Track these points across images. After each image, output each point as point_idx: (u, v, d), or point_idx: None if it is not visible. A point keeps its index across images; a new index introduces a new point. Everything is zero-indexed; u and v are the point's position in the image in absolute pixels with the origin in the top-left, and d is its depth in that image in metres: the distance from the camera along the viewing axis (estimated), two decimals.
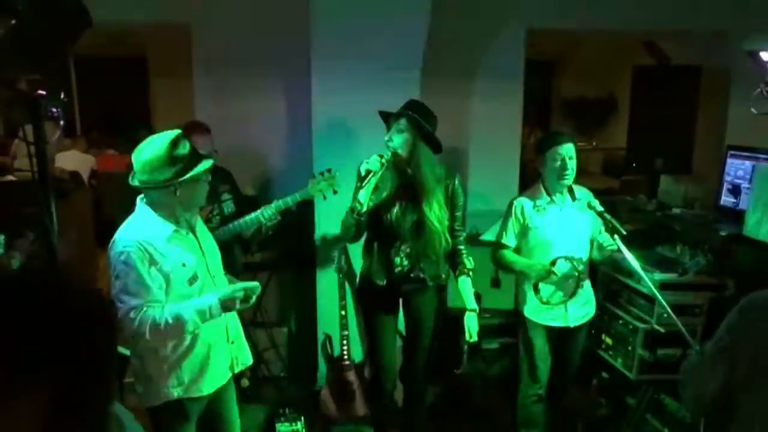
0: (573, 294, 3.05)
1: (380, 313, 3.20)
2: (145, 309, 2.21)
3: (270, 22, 4.08)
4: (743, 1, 4.25)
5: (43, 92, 1.89)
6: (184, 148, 2.28)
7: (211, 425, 2.57)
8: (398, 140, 2.90)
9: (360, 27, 3.59)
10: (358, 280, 3.32)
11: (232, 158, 3.82)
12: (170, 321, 2.20)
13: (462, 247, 3.14)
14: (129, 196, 3.72)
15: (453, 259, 3.15)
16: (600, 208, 2.94)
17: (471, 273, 3.12)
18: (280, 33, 4.05)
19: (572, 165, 3.00)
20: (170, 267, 2.27)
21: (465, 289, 3.12)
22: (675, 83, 4.78)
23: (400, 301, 3.21)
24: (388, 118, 2.98)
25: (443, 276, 3.13)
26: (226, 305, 2.28)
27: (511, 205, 3.18)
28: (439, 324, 3.26)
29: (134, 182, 2.31)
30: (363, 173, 2.86)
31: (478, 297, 4.18)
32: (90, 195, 7.12)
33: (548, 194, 3.09)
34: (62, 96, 1.90)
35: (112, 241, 2.30)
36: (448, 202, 3.03)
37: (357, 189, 2.90)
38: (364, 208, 2.88)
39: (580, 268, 3.02)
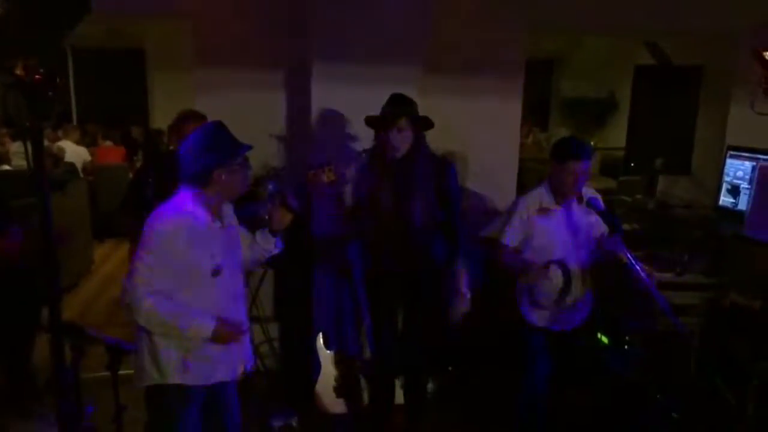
0: (564, 299, 3.02)
1: (380, 304, 3.26)
2: (153, 294, 2.25)
3: (270, 14, 4.04)
4: (745, 2, 4.24)
5: (39, 77, 1.86)
6: (227, 134, 2.35)
7: (212, 410, 2.58)
8: (399, 140, 2.94)
9: (360, 22, 3.57)
10: (364, 270, 3.33)
11: None
12: (167, 319, 2.26)
13: (459, 242, 3.13)
14: (126, 188, 3.71)
15: (451, 253, 3.14)
16: (600, 207, 2.93)
17: (467, 268, 3.13)
18: (280, 25, 4.02)
19: (585, 179, 2.96)
20: (200, 255, 2.31)
21: (458, 277, 3.14)
22: (676, 83, 4.76)
23: (401, 293, 3.24)
24: (376, 121, 3.01)
25: (438, 269, 3.12)
26: (218, 333, 2.33)
27: (515, 204, 3.16)
28: (438, 316, 3.25)
29: (183, 172, 2.35)
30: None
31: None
32: (86, 187, 7.10)
33: (555, 197, 3.05)
34: (59, 81, 1.88)
35: (153, 214, 2.31)
36: (442, 197, 3.04)
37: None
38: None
39: (576, 273, 2.99)
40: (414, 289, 3.18)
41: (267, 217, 2.65)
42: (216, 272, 2.37)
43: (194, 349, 2.38)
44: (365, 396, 3.76)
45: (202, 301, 2.37)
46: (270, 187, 2.71)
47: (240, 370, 2.56)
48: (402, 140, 2.94)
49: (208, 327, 2.32)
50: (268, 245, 2.65)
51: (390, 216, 3.02)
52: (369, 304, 3.32)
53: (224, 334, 2.35)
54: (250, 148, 2.40)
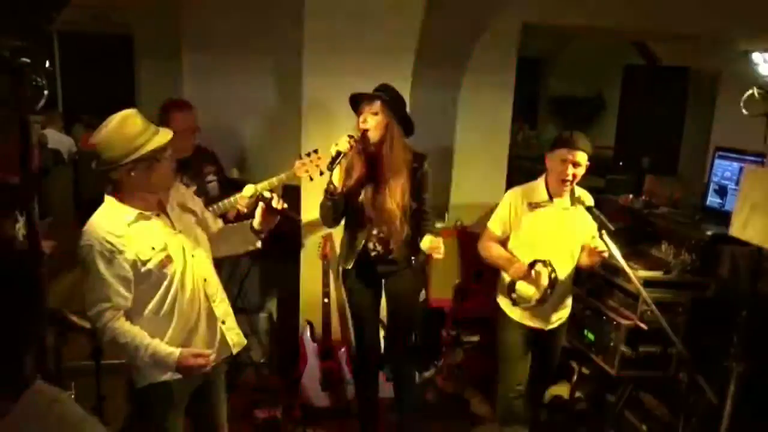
0: (544, 299, 3.02)
1: (359, 296, 3.25)
2: (112, 318, 2.20)
3: (261, 2, 4.01)
4: (734, 4, 4.26)
5: (27, 60, 1.83)
6: (134, 127, 2.19)
7: (198, 410, 2.54)
8: (372, 122, 2.95)
9: (355, 11, 3.54)
10: (338, 264, 3.34)
11: (219, 139, 3.76)
12: (128, 346, 2.21)
13: (431, 227, 3.14)
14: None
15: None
16: (589, 203, 2.93)
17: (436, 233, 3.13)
18: (272, 12, 3.98)
19: (578, 172, 2.94)
20: (136, 253, 2.22)
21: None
22: (664, 84, 4.79)
23: (382, 285, 3.24)
24: (357, 101, 3.01)
25: (413, 258, 3.12)
26: (182, 365, 2.26)
27: (506, 196, 3.16)
28: (418, 308, 3.26)
29: (94, 166, 2.24)
30: (333, 154, 2.87)
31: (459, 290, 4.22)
32: (70, 174, 7.00)
33: (548, 193, 3.05)
34: (47, 65, 1.84)
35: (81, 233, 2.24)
36: (416, 186, 3.05)
37: (330, 171, 2.91)
38: (338, 189, 2.95)
39: (561, 274, 3.00)
40: (396, 280, 3.18)
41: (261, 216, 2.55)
42: (164, 263, 2.27)
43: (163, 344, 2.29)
44: (350, 389, 3.76)
45: (157, 296, 2.27)
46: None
47: (223, 355, 2.49)
48: (374, 124, 2.94)
49: (170, 359, 2.24)
50: (247, 243, 2.59)
51: (367, 204, 3.03)
52: (353, 297, 3.30)
53: (189, 364, 2.26)
54: (164, 138, 2.24)
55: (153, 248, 2.25)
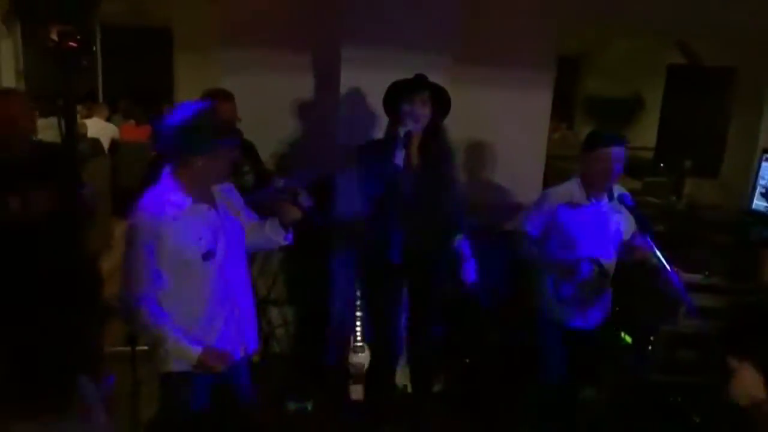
0: (593, 298, 2.96)
1: (384, 289, 3.19)
2: (145, 298, 2.20)
3: None
4: None
5: (74, 44, 1.86)
6: (208, 122, 2.23)
7: (223, 397, 2.54)
8: (422, 113, 2.91)
9: (394, 5, 3.53)
10: (364, 254, 3.29)
11: (255, 131, 3.78)
12: (154, 331, 2.23)
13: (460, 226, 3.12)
14: (148, 167, 3.71)
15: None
16: (630, 203, 2.88)
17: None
18: (308, 5, 3.99)
19: (618, 169, 2.89)
20: (184, 240, 2.23)
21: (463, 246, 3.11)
22: (709, 84, 4.67)
23: (407, 278, 3.19)
24: (397, 91, 2.97)
25: (448, 255, 3.07)
26: (202, 363, 2.28)
27: (543, 196, 3.11)
28: (444, 305, 3.22)
29: (158, 147, 2.27)
30: (402, 135, 2.84)
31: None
32: (108, 163, 7.13)
33: (586, 192, 2.99)
34: (93, 48, 1.87)
35: (131, 210, 2.25)
36: (447, 186, 3.03)
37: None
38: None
39: (606, 271, 2.94)
40: (424, 278, 3.13)
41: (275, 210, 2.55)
42: (207, 256, 2.28)
43: (190, 335, 2.31)
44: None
45: (192, 287, 2.29)
46: (281, 183, 2.63)
47: (240, 354, 2.49)
48: (423, 114, 2.91)
49: (192, 354, 2.27)
50: (277, 237, 2.55)
51: (412, 200, 2.98)
52: (375, 293, 3.26)
53: (209, 362, 2.29)
54: (234, 143, 2.31)
55: (200, 239, 2.27)
